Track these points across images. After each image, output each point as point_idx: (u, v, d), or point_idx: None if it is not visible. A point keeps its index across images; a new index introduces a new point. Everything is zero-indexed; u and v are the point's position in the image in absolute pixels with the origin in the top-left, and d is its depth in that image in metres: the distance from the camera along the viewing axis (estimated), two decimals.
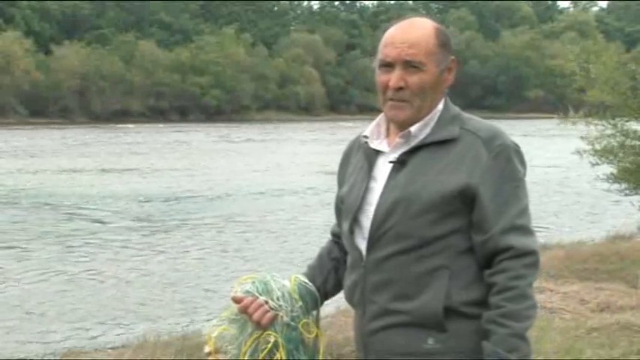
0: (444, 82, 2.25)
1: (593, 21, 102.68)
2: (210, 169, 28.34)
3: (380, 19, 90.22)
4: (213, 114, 72.74)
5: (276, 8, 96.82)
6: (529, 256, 2.13)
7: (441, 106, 2.26)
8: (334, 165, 2.55)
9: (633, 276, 8.32)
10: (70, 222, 16.79)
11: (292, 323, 2.30)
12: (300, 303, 2.33)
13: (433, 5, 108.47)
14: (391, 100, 2.23)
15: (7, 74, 62.36)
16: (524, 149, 2.27)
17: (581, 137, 12.80)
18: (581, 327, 6.15)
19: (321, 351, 2.34)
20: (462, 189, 2.14)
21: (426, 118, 2.23)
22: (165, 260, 12.97)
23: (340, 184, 2.40)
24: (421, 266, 2.15)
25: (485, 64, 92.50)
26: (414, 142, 2.22)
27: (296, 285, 2.35)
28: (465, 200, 2.14)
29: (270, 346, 2.27)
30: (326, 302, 2.44)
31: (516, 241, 2.12)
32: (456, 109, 2.28)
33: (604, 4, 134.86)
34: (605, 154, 12.73)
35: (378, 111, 2.32)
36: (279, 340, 2.27)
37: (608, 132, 12.72)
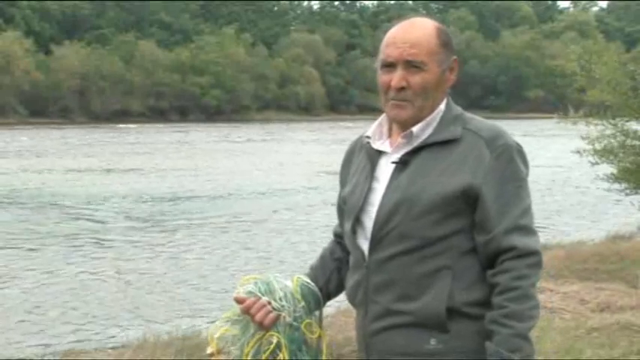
0: (446, 81, 2.24)
1: (593, 21, 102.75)
2: (212, 168, 28.32)
3: (380, 19, 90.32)
4: (213, 114, 72.74)
5: (276, 8, 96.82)
6: (532, 256, 2.13)
7: (443, 106, 2.25)
8: (336, 165, 2.55)
9: (633, 276, 8.31)
10: (73, 222, 16.78)
11: (295, 324, 2.29)
12: (303, 303, 2.33)
13: (433, 5, 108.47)
14: (393, 100, 2.22)
15: (7, 74, 62.37)
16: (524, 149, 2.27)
17: (582, 137, 12.82)
18: (581, 327, 6.14)
19: (324, 351, 2.34)
20: (465, 189, 2.13)
21: (428, 118, 2.22)
22: (167, 260, 12.97)
23: (342, 184, 2.40)
24: (424, 267, 2.15)
25: (485, 64, 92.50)
26: (416, 143, 2.21)
27: (298, 285, 2.35)
28: (468, 200, 2.14)
29: (272, 346, 2.27)
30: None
31: (519, 241, 2.12)
32: (458, 108, 2.27)
33: (604, 4, 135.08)
34: (605, 153, 12.76)
35: (379, 111, 2.32)
36: (282, 341, 2.27)
37: (609, 132, 12.74)
